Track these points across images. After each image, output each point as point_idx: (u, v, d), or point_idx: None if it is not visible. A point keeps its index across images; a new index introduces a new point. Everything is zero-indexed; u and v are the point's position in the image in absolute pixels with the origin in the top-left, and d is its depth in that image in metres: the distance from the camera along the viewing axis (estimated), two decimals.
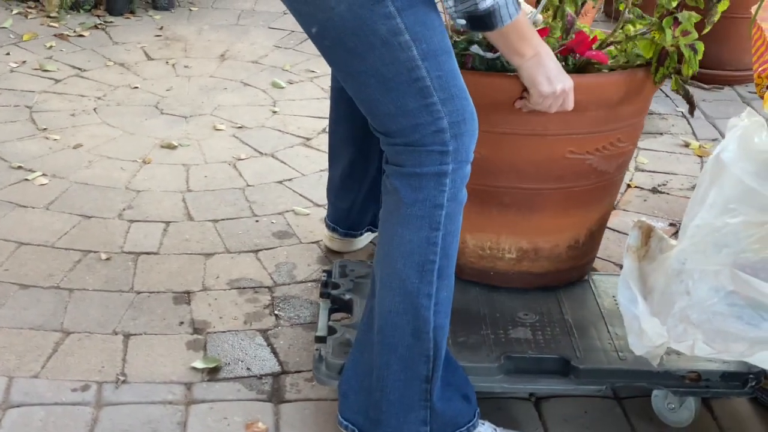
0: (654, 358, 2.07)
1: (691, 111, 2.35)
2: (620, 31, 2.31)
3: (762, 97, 2.28)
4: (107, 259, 2.77)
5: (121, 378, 2.31)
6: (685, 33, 2.18)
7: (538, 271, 2.40)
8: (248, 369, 2.36)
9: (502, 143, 2.23)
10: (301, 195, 3.15)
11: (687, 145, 3.58)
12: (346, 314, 2.36)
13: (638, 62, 2.24)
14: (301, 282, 2.71)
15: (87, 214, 3.00)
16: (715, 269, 2.07)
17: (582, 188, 2.32)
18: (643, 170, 3.41)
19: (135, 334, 2.46)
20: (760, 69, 2.32)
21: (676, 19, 2.17)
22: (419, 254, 1.89)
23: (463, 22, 1.82)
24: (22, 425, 2.15)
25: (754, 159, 2.10)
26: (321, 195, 3.05)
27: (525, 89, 2.06)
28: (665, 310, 2.11)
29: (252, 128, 3.65)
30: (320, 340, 2.23)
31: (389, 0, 1.76)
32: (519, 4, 1.84)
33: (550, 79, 1.99)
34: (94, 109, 3.77)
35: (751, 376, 2.14)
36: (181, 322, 2.52)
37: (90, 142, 3.49)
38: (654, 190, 3.24)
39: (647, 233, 2.24)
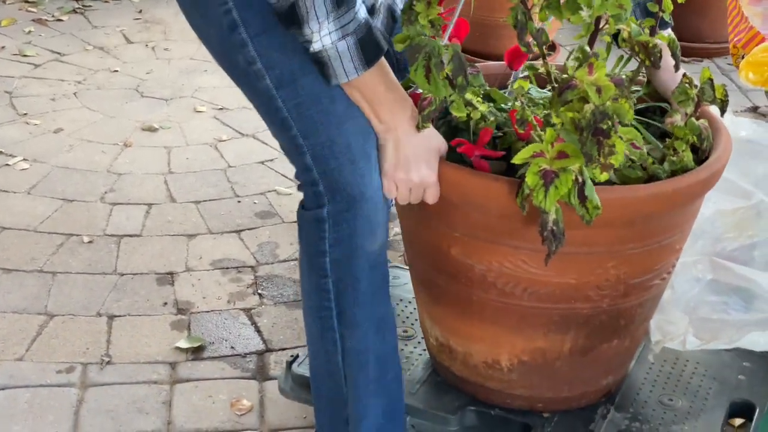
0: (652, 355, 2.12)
1: (546, 258, 1.65)
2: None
3: (738, 67, 2.32)
4: (90, 242, 2.80)
5: (106, 359, 2.35)
6: (561, 155, 1.61)
7: (457, 373, 2.07)
8: (232, 348, 2.40)
9: (410, 215, 1.98)
10: (282, 175, 3.18)
11: None
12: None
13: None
14: (284, 261, 2.74)
15: (69, 198, 3.03)
16: (694, 259, 2.13)
17: (483, 300, 1.92)
18: None
19: (119, 316, 2.50)
20: (735, 39, 2.37)
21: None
22: (315, 299, 1.78)
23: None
24: (8, 408, 2.19)
25: None
26: None
27: None
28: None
29: (233, 109, 3.68)
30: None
31: (242, 27, 1.63)
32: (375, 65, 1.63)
33: (407, 166, 1.72)
34: (74, 94, 3.79)
35: None
36: (165, 303, 2.55)
37: (70, 126, 3.51)
38: None
39: None
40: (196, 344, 2.40)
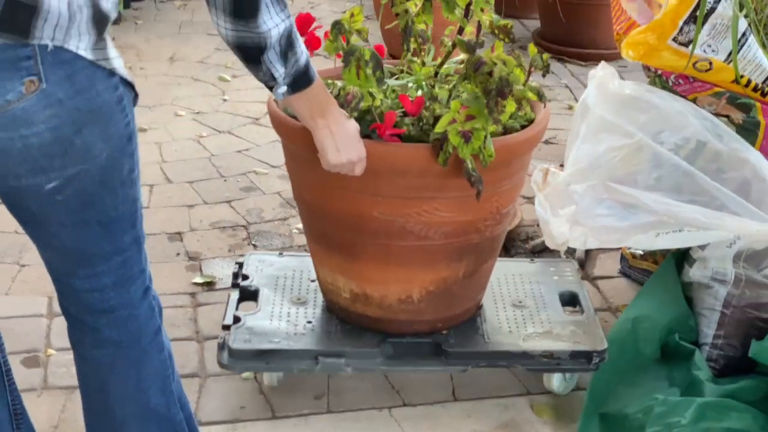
0: (561, 249, 2.76)
1: (477, 196, 2.16)
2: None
3: (620, 48, 2.98)
4: None
5: None
6: (469, 117, 2.09)
7: (372, 315, 2.42)
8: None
9: (321, 192, 2.30)
10: (258, 160, 3.80)
11: (570, 107, 4.31)
12: (254, 303, 2.56)
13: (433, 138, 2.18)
14: (269, 221, 3.36)
15: None
16: (593, 184, 2.75)
17: (401, 248, 2.31)
18: None
19: None
20: (617, 27, 3.02)
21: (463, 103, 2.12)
22: (160, 377, 1.88)
23: (283, 90, 1.84)
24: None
25: (610, 100, 2.77)
26: (275, 159, 3.71)
27: None
28: (563, 219, 2.80)
29: (208, 113, 4.29)
30: (225, 328, 2.42)
31: (134, 136, 1.69)
32: None
33: (343, 150, 2.01)
34: None
35: (595, 353, 2.42)
36: (178, 253, 3.15)
37: None
38: (546, 142, 3.96)
39: (545, 173, 2.90)
40: (208, 280, 3.01)
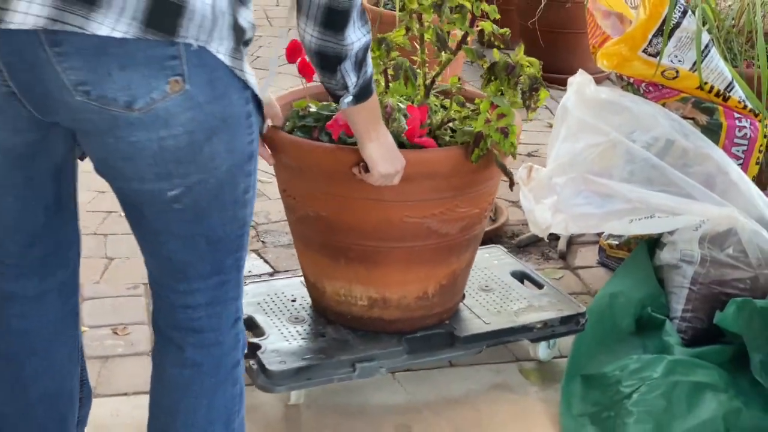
0: (544, 234, 3.05)
1: (510, 185, 2.44)
2: (455, 110, 2.47)
3: (595, 59, 3.29)
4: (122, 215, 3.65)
5: None
6: (500, 116, 2.30)
7: (389, 318, 2.53)
8: (250, 271, 3.27)
9: (341, 205, 2.38)
10: (262, 170, 4.07)
11: (550, 125, 4.58)
12: (250, 331, 2.56)
13: (464, 140, 2.37)
14: (276, 222, 3.63)
15: (100, 190, 3.87)
16: (572, 176, 3.05)
17: (423, 247, 2.45)
18: (520, 143, 4.43)
19: None
20: (593, 41, 3.34)
21: (493, 103, 2.33)
22: (228, 412, 1.88)
23: (349, 100, 1.92)
24: (96, 308, 3.03)
25: (587, 103, 3.08)
26: None
27: (360, 161, 2.17)
28: (545, 207, 3.09)
29: None
30: (247, 356, 2.29)
31: (255, 158, 1.71)
32: None
33: (393, 159, 2.12)
34: None
35: (581, 314, 2.71)
36: None
37: None
38: (528, 155, 4.27)
39: (530, 169, 3.16)
40: None
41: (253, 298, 2.69)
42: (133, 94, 1.52)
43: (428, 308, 2.56)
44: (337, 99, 1.95)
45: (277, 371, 2.40)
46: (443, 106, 2.59)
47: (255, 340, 2.49)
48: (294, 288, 2.76)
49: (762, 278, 2.79)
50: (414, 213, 2.37)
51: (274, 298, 2.72)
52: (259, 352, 2.44)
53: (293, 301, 2.70)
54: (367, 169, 2.17)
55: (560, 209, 2.94)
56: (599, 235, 3.38)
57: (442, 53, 2.55)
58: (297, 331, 2.56)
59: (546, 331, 2.69)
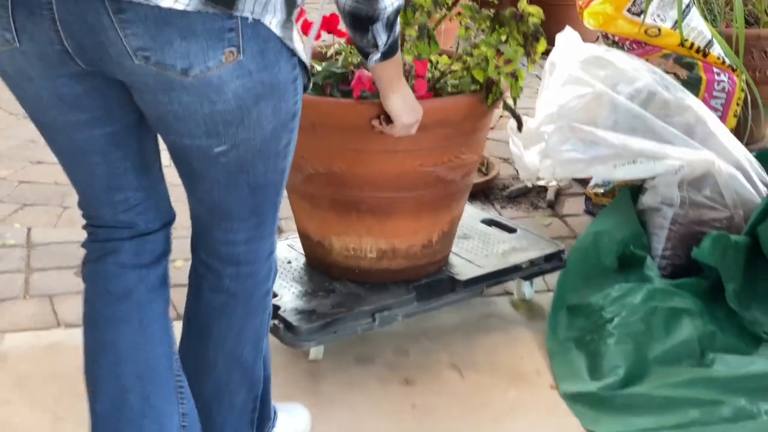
0: (532, 180, 3.23)
1: (519, 128, 2.61)
2: (458, 62, 2.53)
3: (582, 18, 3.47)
4: None
5: None
6: (507, 62, 2.42)
7: (396, 268, 2.61)
8: None
9: (356, 160, 2.44)
10: None
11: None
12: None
13: (473, 88, 2.46)
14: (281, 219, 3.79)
15: None
16: (560, 125, 3.22)
17: (432, 195, 2.54)
18: None
19: None
20: (580, 2, 3.52)
21: (499, 50, 2.43)
22: (257, 334, 2.01)
23: (377, 57, 1.98)
24: None
25: (573, 57, 3.28)
26: None
27: (380, 114, 2.26)
28: (534, 153, 3.27)
29: None
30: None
31: (297, 115, 1.79)
32: None
33: (414, 110, 2.20)
34: None
35: (562, 251, 2.86)
36: None
37: None
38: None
39: (520, 120, 3.35)
40: None
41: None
42: (191, 62, 1.58)
43: (432, 255, 2.66)
44: (366, 56, 2.01)
45: (305, 328, 2.44)
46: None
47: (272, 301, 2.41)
48: (285, 251, 2.80)
49: (737, 218, 2.97)
50: (426, 162, 2.47)
51: None
52: (280, 312, 2.48)
53: (289, 263, 2.76)
54: (388, 121, 2.24)
55: (548, 155, 3.12)
56: (585, 185, 3.55)
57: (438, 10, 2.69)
58: (306, 290, 2.61)
59: (533, 269, 2.83)
